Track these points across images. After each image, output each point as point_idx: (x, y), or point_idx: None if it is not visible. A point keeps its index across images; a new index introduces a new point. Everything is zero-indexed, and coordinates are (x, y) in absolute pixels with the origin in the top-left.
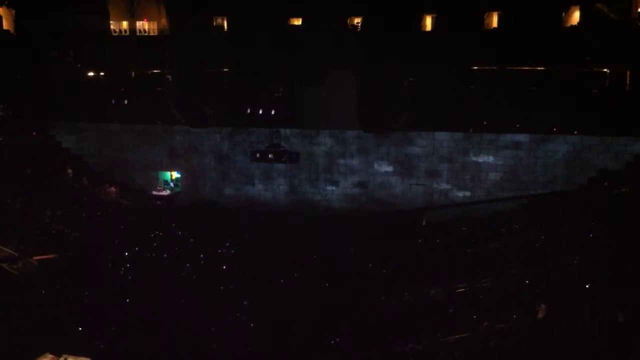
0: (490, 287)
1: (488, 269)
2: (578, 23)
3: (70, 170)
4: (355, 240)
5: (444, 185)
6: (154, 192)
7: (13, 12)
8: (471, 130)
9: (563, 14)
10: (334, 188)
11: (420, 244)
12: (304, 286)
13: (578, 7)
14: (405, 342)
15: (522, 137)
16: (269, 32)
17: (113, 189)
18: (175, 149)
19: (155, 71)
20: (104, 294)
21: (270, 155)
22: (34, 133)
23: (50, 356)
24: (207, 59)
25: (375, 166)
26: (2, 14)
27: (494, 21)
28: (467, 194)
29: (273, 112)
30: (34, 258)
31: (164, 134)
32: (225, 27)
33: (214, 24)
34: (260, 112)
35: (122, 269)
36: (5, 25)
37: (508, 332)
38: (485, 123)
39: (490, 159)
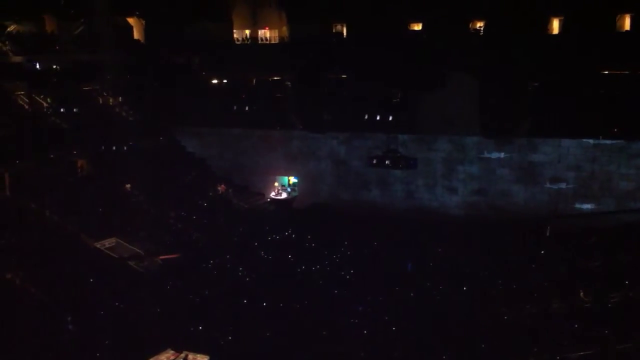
0: (619, 303)
1: (616, 284)
2: None
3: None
4: (473, 248)
5: (570, 195)
6: (272, 196)
7: (143, 22)
8: (600, 137)
9: None
10: (452, 195)
11: (543, 255)
12: (421, 293)
13: None
14: (524, 357)
15: None
16: (388, 38)
17: (232, 191)
18: (293, 153)
19: (276, 78)
20: (223, 293)
21: (387, 161)
22: (161, 137)
23: (171, 352)
24: (326, 65)
25: (497, 173)
26: (132, 24)
27: (627, 23)
28: (595, 203)
29: (390, 117)
30: (159, 257)
31: (283, 139)
32: (345, 33)
33: (334, 30)
34: (378, 117)
35: (241, 269)
36: (135, 35)
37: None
38: (615, 130)
39: (621, 167)
